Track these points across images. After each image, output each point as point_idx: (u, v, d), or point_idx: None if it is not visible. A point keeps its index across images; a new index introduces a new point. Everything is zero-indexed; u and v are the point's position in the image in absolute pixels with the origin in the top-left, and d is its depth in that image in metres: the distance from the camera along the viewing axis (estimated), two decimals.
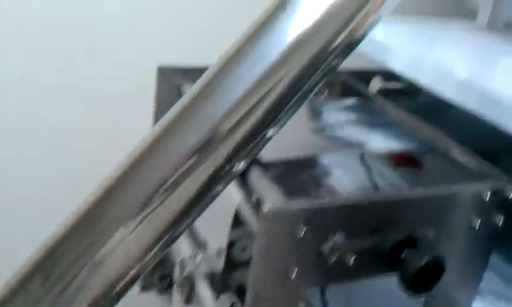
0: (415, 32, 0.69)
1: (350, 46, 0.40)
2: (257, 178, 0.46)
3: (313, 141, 0.54)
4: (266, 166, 0.47)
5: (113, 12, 0.85)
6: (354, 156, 0.57)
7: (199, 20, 0.91)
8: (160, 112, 0.70)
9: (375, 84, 0.73)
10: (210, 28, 0.89)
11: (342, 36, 0.32)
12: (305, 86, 0.31)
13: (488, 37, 0.70)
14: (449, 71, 0.54)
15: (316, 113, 0.62)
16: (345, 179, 0.54)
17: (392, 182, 0.55)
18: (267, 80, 0.28)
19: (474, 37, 0.70)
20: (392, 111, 0.59)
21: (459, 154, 0.52)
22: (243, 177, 0.48)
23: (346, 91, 0.70)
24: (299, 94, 0.31)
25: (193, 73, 0.66)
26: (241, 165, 0.28)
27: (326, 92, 0.71)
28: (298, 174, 0.53)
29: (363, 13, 0.38)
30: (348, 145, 0.54)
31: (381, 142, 0.56)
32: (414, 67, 0.57)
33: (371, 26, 0.42)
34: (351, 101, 0.64)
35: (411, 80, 0.58)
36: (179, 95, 0.61)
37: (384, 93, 0.71)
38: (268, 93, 0.29)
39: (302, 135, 0.55)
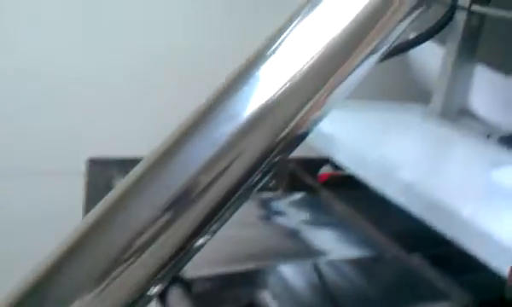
0: (363, 121, 0.66)
1: (292, 143, 0.38)
2: (177, 299, 0.40)
3: (256, 247, 0.49)
4: (189, 284, 0.41)
5: None
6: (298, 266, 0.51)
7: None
8: (90, 204, 0.64)
9: (325, 172, 0.69)
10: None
11: (284, 133, 0.32)
12: (247, 183, 0.30)
13: (440, 125, 0.67)
14: (393, 170, 0.50)
15: (263, 211, 0.58)
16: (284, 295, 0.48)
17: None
18: (203, 179, 0.28)
19: (425, 126, 0.67)
20: (340, 207, 0.55)
21: (412, 264, 0.47)
22: (162, 298, 0.41)
23: (294, 182, 0.66)
24: (239, 191, 0.30)
25: (125, 164, 0.62)
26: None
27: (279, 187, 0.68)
28: (228, 292, 0.47)
29: (306, 108, 0.36)
30: (294, 252, 0.49)
31: (328, 247, 0.51)
32: (358, 163, 0.53)
33: (315, 123, 0.40)
34: (298, 196, 0.60)
35: (356, 175, 0.54)
36: (110, 187, 0.57)
37: (334, 180, 0.67)
38: (205, 191, 0.29)
39: (243, 239, 0.50)
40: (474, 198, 0.47)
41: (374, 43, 0.38)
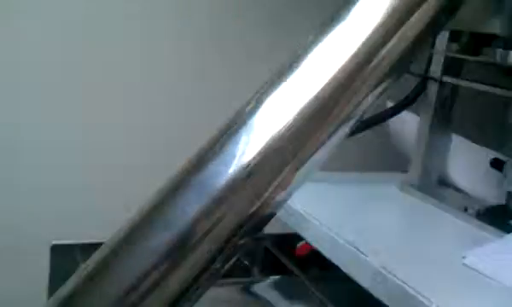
0: (337, 195, 0.64)
1: (258, 223, 0.37)
2: None
3: None
4: None
5: None
6: None
7: None
8: (53, 289, 0.62)
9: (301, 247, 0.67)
10: None
11: (248, 213, 0.33)
12: (212, 266, 0.30)
13: (417, 198, 0.65)
14: (362, 254, 0.47)
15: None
16: None
17: None
18: (167, 263, 0.29)
19: (401, 199, 0.66)
20: (314, 294, 0.52)
21: None
22: None
23: (270, 261, 0.63)
24: (204, 275, 0.30)
25: (88, 249, 0.59)
26: None
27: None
28: None
29: (271, 188, 0.35)
30: None
31: None
32: (328, 244, 0.51)
33: (281, 202, 0.38)
34: (271, 280, 0.57)
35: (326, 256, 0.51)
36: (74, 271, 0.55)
37: (312, 256, 0.65)
38: (168, 275, 0.29)
39: None
40: (444, 286, 0.45)
41: (342, 117, 0.36)
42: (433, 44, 0.61)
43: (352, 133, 0.70)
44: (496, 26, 0.49)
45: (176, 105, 0.87)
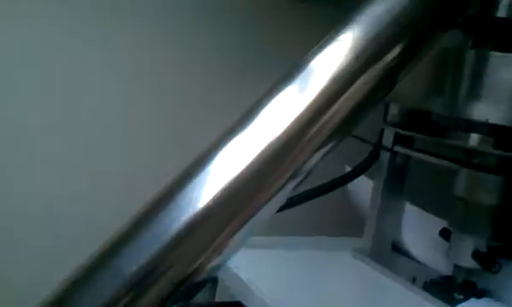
0: (287, 263, 0.63)
1: (192, 290, 0.36)
2: None
3: None
4: None
5: None
6: None
7: None
8: None
9: None
10: None
11: (180, 280, 0.33)
12: None
13: (367, 265, 0.65)
14: None
15: None
16: None
17: None
18: None
19: (351, 267, 0.65)
20: None
21: None
22: None
23: None
24: None
25: None
26: None
27: None
28: None
29: (206, 254, 0.34)
30: None
31: None
32: None
33: (215, 268, 0.38)
34: None
35: None
36: None
37: None
38: None
39: None
40: None
41: (282, 180, 0.36)
42: (385, 117, 0.63)
43: (303, 200, 0.70)
44: (436, 105, 0.50)
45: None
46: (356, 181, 0.70)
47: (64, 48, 0.79)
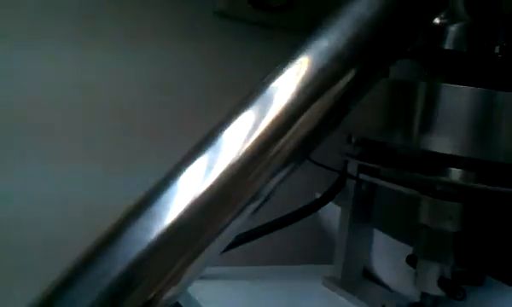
0: (255, 293, 0.63)
1: None
2: None
3: None
4: None
5: None
6: None
7: None
8: None
9: None
10: None
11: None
12: None
13: (337, 292, 0.65)
14: None
15: None
16: None
17: None
18: None
19: (319, 295, 0.65)
20: None
21: None
22: None
23: None
24: None
25: None
26: None
27: None
28: None
29: (162, 283, 0.34)
30: None
31: None
32: None
33: (173, 297, 0.37)
34: None
35: None
36: None
37: None
38: None
39: None
40: None
41: (237, 207, 0.36)
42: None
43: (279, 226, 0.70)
44: (390, 136, 0.51)
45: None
46: (325, 207, 0.71)
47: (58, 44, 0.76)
